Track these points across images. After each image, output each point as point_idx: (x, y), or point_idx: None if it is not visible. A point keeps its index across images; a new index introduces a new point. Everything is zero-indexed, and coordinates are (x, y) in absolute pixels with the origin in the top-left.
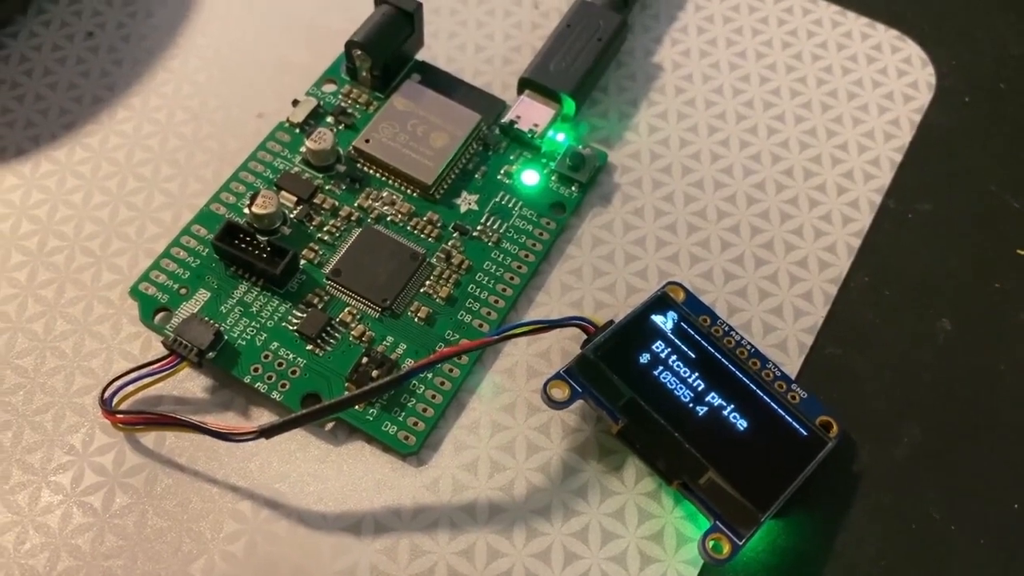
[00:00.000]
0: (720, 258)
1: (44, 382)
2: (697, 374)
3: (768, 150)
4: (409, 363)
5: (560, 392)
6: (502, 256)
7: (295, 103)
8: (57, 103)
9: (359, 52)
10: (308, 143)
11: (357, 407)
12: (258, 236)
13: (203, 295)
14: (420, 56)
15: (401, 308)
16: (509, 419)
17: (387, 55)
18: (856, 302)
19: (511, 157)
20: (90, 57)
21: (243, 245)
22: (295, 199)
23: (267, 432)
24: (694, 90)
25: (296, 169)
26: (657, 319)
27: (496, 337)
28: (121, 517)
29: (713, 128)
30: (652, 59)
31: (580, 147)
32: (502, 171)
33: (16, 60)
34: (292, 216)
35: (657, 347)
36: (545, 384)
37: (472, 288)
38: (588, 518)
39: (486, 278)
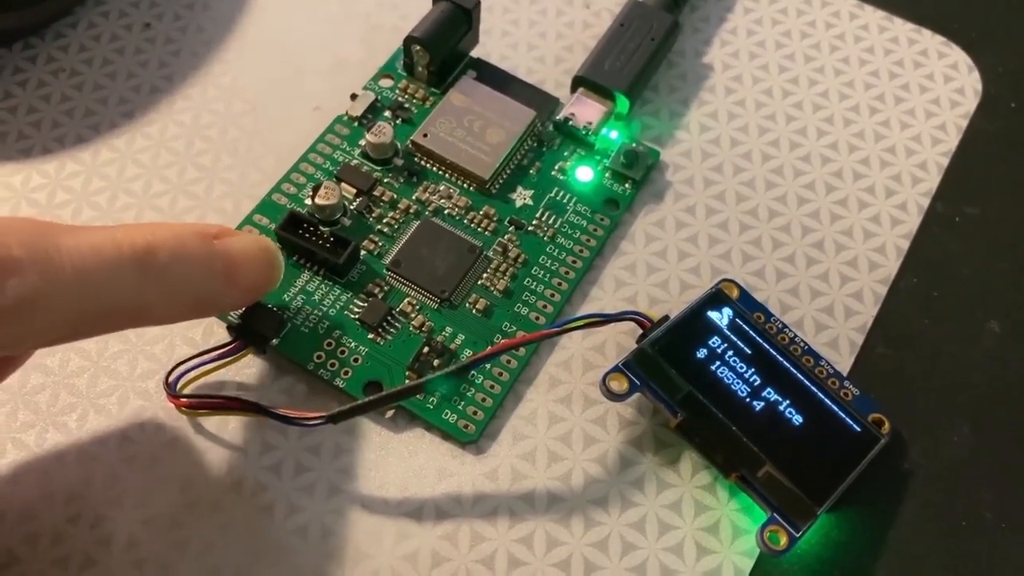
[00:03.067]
0: (772, 257)
1: (108, 366)
2: (753, 369)
3: (817, 151)
4: (468, 354)
5: (619, 385)
6: (557, 251)
7: (353, 97)
8: (116, 92)
9: (418, 48)
10: (368, 136)
11: (418, 395)
12: (320, 227)
13: None
14: (474, 53)
15: (459, 299)
16: (566, 411)
17: (445, 51)
18: (905, 303)
19: (565, 154)
20: (148, 47)
21: (306, 235)
22: (355, 191)
23: (335, 417)
24: (744, 91)
25: (355, 162)
26: (713, 315)
27: (555, 330)
28: None
29: (763, 129)
30: (702, 60)
31: (633, 144)
32: (556, 167)
33: (76, 49)
34: (352, 208)
35: (713, 342)
36: (604, 376)
37: (528, 281)
38: (645, 509)
39: (542, 272)
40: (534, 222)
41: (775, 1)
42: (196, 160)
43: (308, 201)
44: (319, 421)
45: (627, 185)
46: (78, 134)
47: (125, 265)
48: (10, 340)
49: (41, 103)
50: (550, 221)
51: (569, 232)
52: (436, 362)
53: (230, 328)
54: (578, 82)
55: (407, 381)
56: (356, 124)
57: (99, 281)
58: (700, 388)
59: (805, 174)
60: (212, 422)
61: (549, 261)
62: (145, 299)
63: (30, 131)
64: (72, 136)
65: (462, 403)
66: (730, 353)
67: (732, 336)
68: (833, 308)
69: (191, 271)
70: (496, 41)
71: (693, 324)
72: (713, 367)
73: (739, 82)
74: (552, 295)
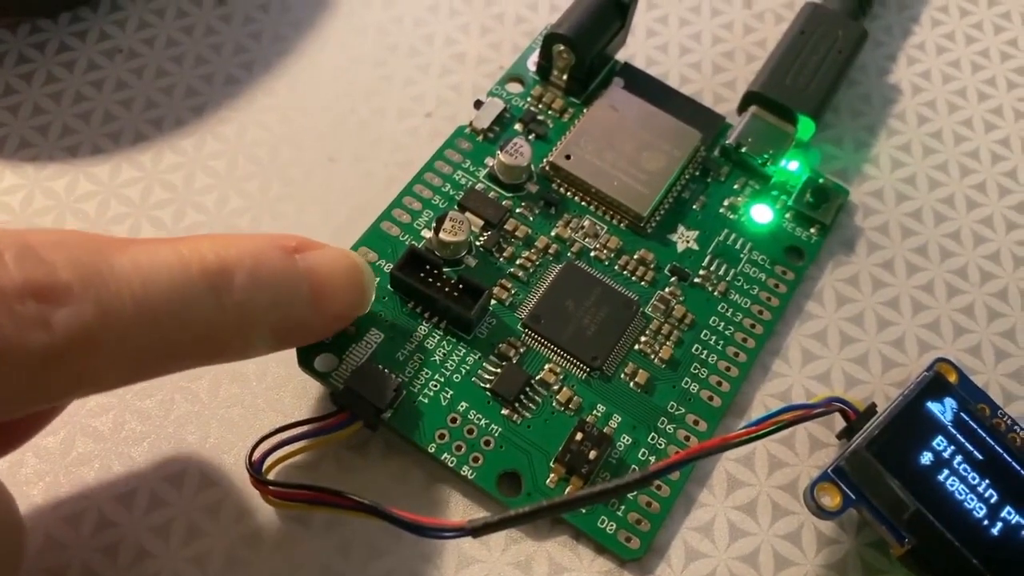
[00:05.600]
0: (987, 330)
1: (173, 432)
2: (987, 481)
3: None
4: (626, 440)
5: (831, 499)
6: (731, 310)
7: (477, 104)
8: (183, 80)
9: (561, 48)
10: (501, 156)
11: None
12: (445, 269)
13: (375, 336)
14: (618, 56)
15: (612, 369)
16: (750, 522)
17: (594, 53)
18: None
19: (735, 187)
20: (222, 28)
21: (429, 279)
22: (482, 223)
23: (477, 531)
24: (939, 120)
25: (481, 185)
26: (934, 407)
27: (755, 429)
28: None
29: (966, 169)
30: (888, 79)
31: (821, 180)
32: (725, 203)
33: (134, 25)
34: (479, 244)
35: (938, 444)
36: (812, 487)
37: (697, 349)
38: None
39: (713, 337)
40: (701, 272)
41: (968, 14)
42: (283, 172)
43: (427, 234)
44: (456, 534)
45: (813, 230)
46: (137, 130)
47: (196, 288)
48: (60, 387)
49: (91, 90)
50: (720, 272)
51: (745, 287)
52: (592, 454)
53: (334, 396)
54: (752, 99)
55: (551, 475)
56: (480, 138)
57: (166, 309)
58: (929, 506)
59: (1020, 228)
60: (301, 514)
61: (722, 324)
62: (220, 330)
63: (77, 124)
64: (129, 133)
65: (622, 508)
66: (959, 458)
67: (959, 436)
68: None
69: (274, 294)
70: (640, 42)
71: (912, 419)
72: (941, 477)
73: (933, 109)
74: (728, 368)
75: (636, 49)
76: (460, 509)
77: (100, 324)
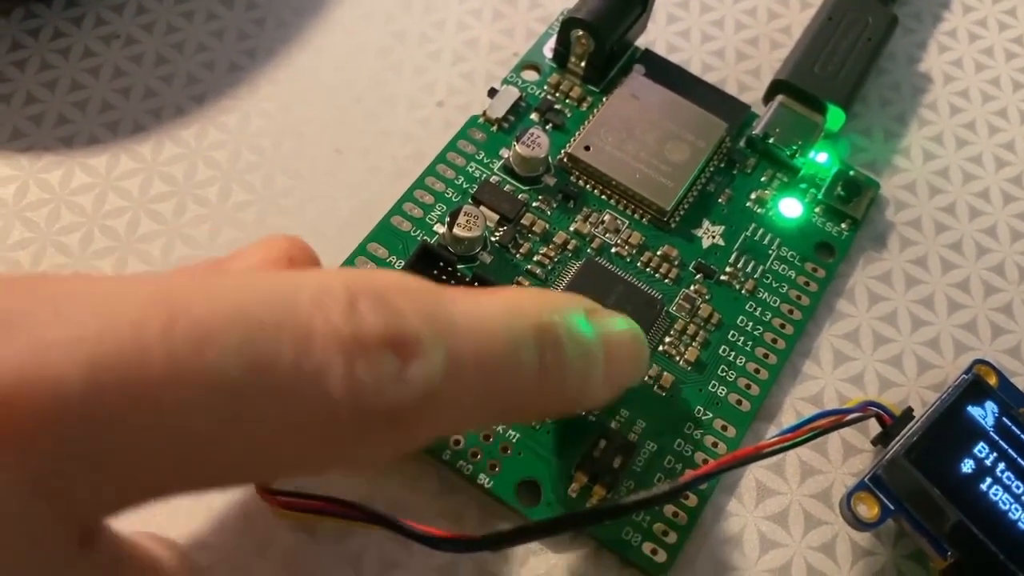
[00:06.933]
0: None
1: None
2: None
3: None
4: (651, 447)
5: (868, 509)
6: (760, 310)
7: (491, 93)
8: (183, 68)
9: (580, 33)
10: (518, 147)
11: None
12: (457, 264)
13: None
14: (638, 43)
15: None
16: (782, 533)
17: (614, 40)
18: None
19: (762, 179)
20: (224, 13)
21: (442, 276)
22: (497, 218)
23: (494, 545)
24: (973, 111)
25: (495, 178)
26: (974, 412)
27: (789, 437)
28: None
29: (1001, 161)
30: (918, 67)
31: (851, 172)
32: (752, 197)
33: (132, 10)
34: (494, 240)
35: (980, 450)
36: (848, 497)
37: (724, 351)
38: None
39: (742, 338)
40: (728, 269)
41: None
42: (287, 164)
43: (440, 229)
44: (471, 547)
45: (844, 225)
46: (135, 120)
47: (525, 345)
48: (408, 442)
49: (87, 78)
50: (748, 269)
51: (774, 285)
52: (616, 462)
53: None
54: (779, 87)
55: (572, 483)
56: (495, 128)
57: (498, 365)
58: (972, 516)
59: None
60: (310, 526)
61: (751, 324)
62: (533, 392)
63: (73, 114)
64: (127, 123)
65: (647, 518)
66: (1001, 466)
67: (1001, 442)
68: None
69: (583, 359)
70: (661, 28)
71: (952, 424)
72: (984, 486)
73: (965, 98)
74: (757, 371)
75: (656, 35)
76: (476, 518)
77: (445, 380)
